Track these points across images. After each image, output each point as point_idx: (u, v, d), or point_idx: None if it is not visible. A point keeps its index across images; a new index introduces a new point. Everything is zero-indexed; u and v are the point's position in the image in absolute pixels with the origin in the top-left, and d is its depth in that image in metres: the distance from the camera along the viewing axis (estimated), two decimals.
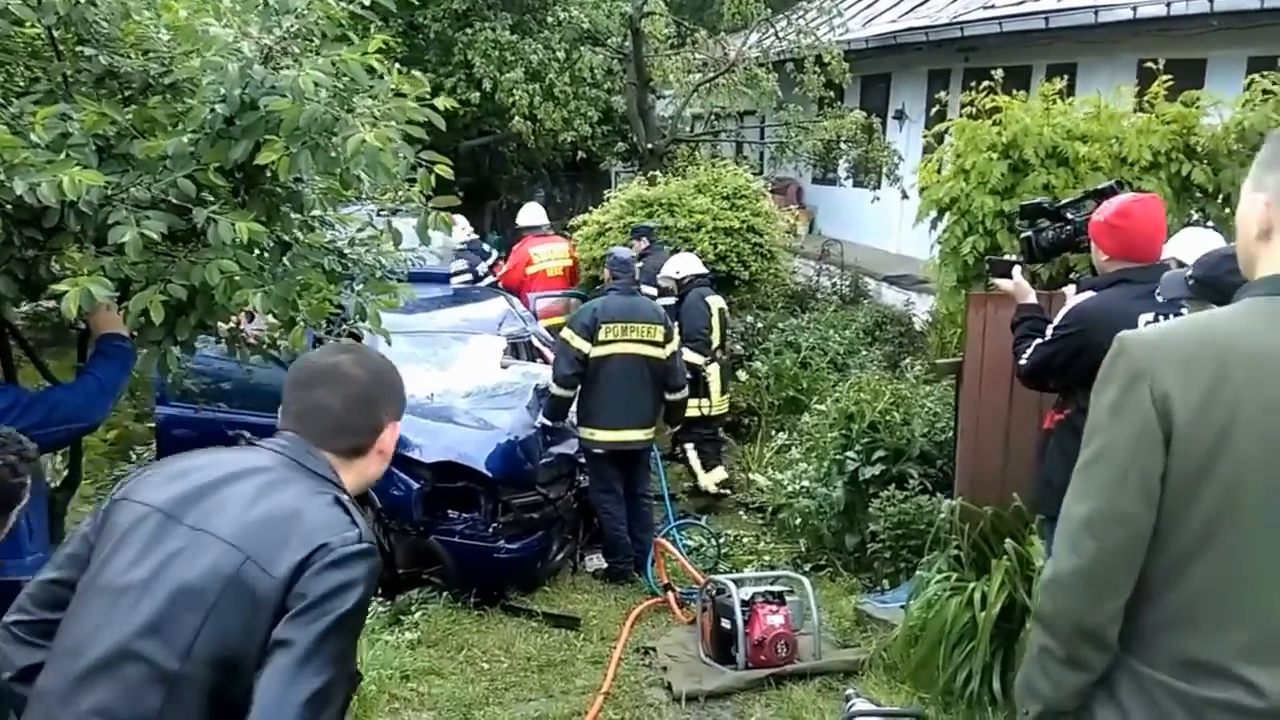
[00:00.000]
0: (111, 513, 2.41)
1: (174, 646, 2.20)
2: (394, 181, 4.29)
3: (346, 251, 4.88)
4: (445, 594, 7.45)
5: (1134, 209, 4.71)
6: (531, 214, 13.12)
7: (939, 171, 7.15)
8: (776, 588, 6.49)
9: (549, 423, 8.23)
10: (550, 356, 9.85)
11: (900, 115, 17.72)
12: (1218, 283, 3.69)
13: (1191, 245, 5.07)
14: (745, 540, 8.89)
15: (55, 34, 4.06)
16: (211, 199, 3.85)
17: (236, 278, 3.85)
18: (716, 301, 10.05)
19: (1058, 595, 2.19)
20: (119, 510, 2.39)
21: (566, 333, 8.20)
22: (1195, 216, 6.73)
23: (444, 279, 11.24)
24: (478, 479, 7.63)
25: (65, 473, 5.26)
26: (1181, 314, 4.13)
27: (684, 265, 10.12)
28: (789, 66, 16.19)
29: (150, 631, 2.21)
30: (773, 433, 10.70)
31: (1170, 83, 7.03)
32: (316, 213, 4.59)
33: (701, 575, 7.05)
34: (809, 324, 12.46)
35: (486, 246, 13.77)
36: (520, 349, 9.84)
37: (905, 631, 5.90)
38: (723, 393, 10.04)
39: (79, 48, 4.15)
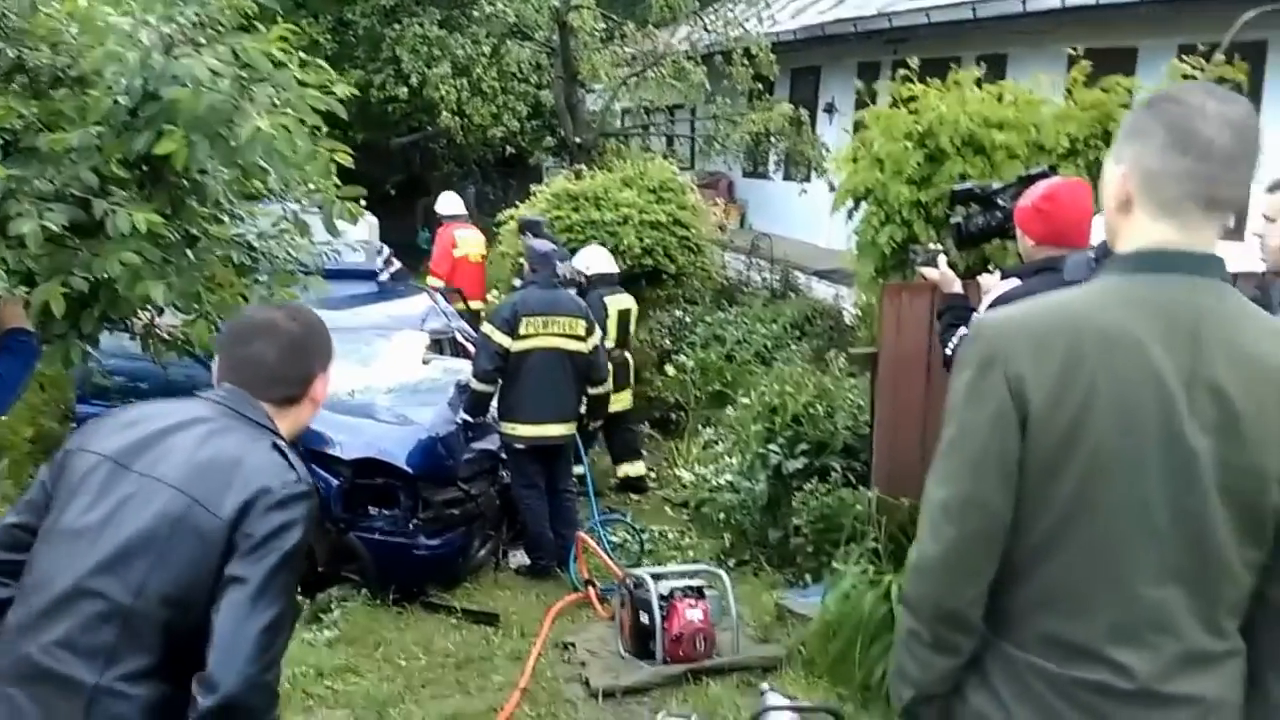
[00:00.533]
0: (66, 462, 2.59)
1: (127, 584, 2.39)
2: (300, 173, 4.22)
3: (256, 244, 4.81)
4: (365, 591, 7.37)
5: (1060, 193, 4.63)
6: (451, 203, 13.41)
7: (855, 161, 7.14)
8: (695, 583, 6.46)
9: (470, 418, 8.16)
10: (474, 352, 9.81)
11: (830, 108, 17.79)
12: None
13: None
14: (670, 536, 8.88)
15: None
16: (117, 191, 3.79)
17: (140, 270, 3.79)
18: (617, 303, 9.91)
19: (920, 580, 2.19)
20: (73, 460, 2.58)
21: (487, 327, 8.13)
22: None
23: (370, 275, 11.11)
24: (398, 475, 7.55)
25: None
26: None
27: (594, 262, 9.99)
28: (718, 59, 16.21)
29: (104, 570, 2.40)
30: (699, 427, 10.71)
31: (1098, 72, 7.03)
32: (223, 205, 4.49)
33: (622, 570, 7.03)
34: (736, 318, 12.48)
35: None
36: (444, 345, 9.77)
37: (822, 626, 5.89)
38: (620, 389, 9.82)
39: None
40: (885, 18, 15.32)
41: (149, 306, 4.40)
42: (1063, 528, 2.05)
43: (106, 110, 3.77)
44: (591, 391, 8.42)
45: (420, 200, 22.99)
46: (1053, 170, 5.32)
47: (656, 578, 6.41)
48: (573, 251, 11.11)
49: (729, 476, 8.62)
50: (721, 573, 6.66)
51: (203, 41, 3.86)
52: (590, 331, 8.20)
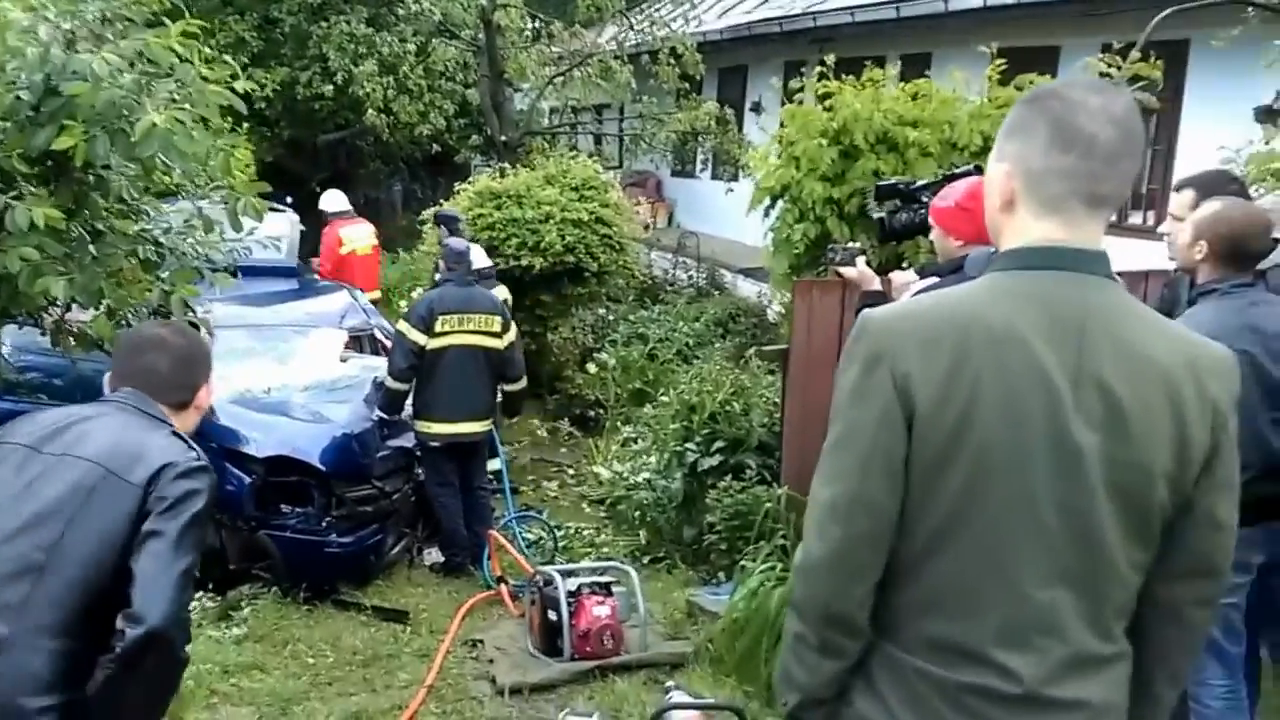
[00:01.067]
0: None
1: (40, 543, 2.70)
2: (203, 168, 4.21)
3: (163, 240, 4.78)
4: (275, 589, 7.31)
5: (983, 191, 4.67)
6: (334, 200, 13.34)
7: (771, 159, 7.21)
8: (604, 579, 6.49)
9: (385, 417, 8.13)
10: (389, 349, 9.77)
11: (756, 107, 17.88)
12: None
13: None
14: (585, 533, 8.90)
15: None
16: (20, 186, 3.77)
17: (40, 266, 3.76)
18: (500, 293, 9.89)
19: (806, 582, 2.15)
20: None
21: (402, 325, 8.08)
22: None
23: (290, 272, 11.01)
24: (311, 473, 7.51)
25: None
26: None
27: (475, 258, 9.97)
28: (644, 59, 16.26)
29: (19, 533, 2.71)
30: (619, 425, 10.74)
31: (1021, 70, 7.08)
32: (128, 200, 4.45)
33: (533, 568, 7.05)
34: (659, 316, 12.54)
35: None
36: (363, 342, 9.71)
37: (729, 624, 5.92)
38: None
39: None
40: (810, 16, 15.45)
41: (54, 302, 4.37)
42: (950, 526, 2.03)
43: (8, 106, 3.73)
44: (507, 388, 8.43)
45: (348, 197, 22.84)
46: (978, 170, 5.34)
47: (565, 575, 6.43)
48: (493, 248, 11.15)
49: (646, 474, 8.68)
50: (630, 570, 6.69)
51: (108, 37, 3.83)
52: (506, 328, 8.20)
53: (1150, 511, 2.02)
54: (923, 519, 2.04)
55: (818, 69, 7.42)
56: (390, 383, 8.03)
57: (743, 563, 6.18)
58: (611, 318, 12.63)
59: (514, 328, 8.45)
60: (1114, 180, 2.06)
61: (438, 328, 7.94)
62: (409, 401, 8.14)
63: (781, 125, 7.46)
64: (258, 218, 4.54)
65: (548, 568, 6.69)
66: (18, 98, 3.65)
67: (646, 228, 19.06)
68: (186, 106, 3.70)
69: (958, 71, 7.32)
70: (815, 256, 6.74)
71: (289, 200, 13.10)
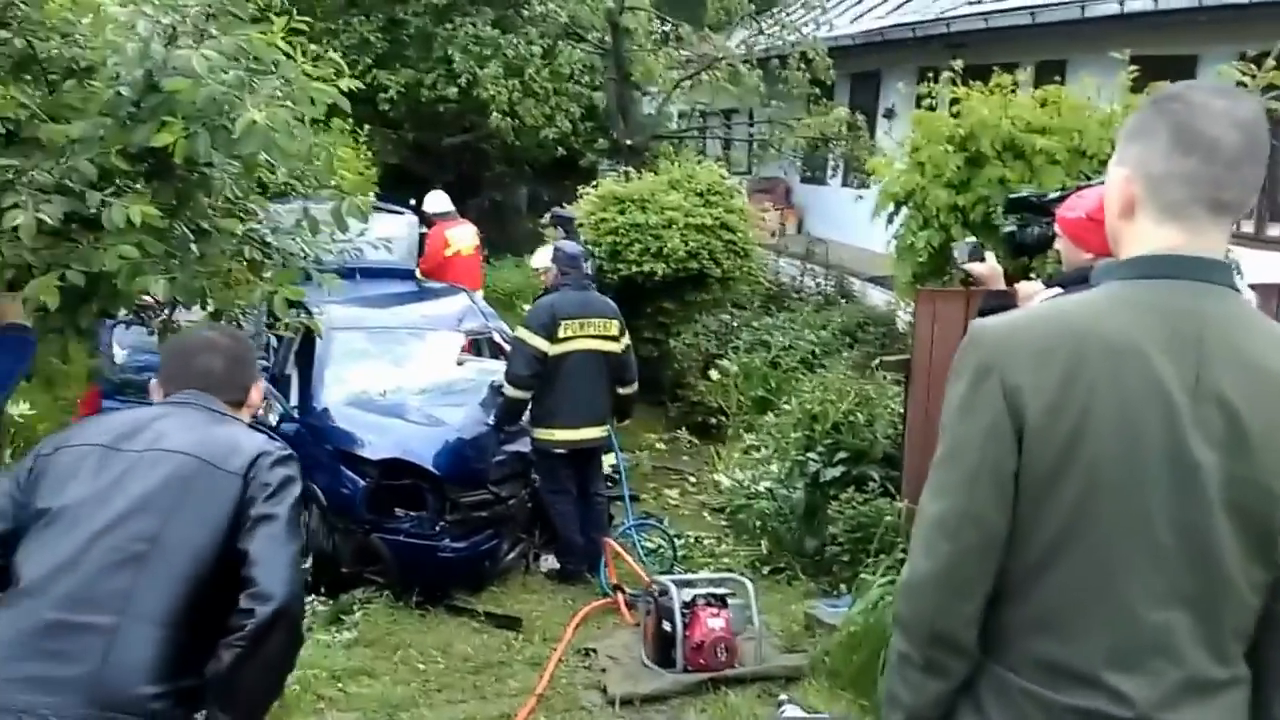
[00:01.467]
0: (47, 464, 2.82)
1: (140, 533, 2.66)
2: (308, 167, 4.16)
3: (270, 240, 4.74)
4: (388, 593, 7.28)
5: None
6: (438, 201, 13.34)
7: (896, 164, 7.00)
8: (719, 590, 6.33)
9: (504, 426, 8.04)
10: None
11: (889, 113, 17.58)
12: None
13: None
14: (706, 542, 8.73)
15: None
16: (121, 183, 3.74)
17: (140, 264, 3.73)
18: None
19: (912, 599, 2.08)
20: (56, 459, 2.82)
21: (523, 332, 7.96)
22: None
23: (409, 274, 11.07)
24: (425, 477, 7.47)
25: None
26: None
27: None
28: (774, 63, 16.08)
29: (116, 524, 2.67)
30: (741, 433, 10.56)
31: (1157, 79, 6.78)
32: (232, 199, 4.41)
33: (649, 576, 6.91)
34: (784, 324, 12.32)
35: None
36: (481, 346, 9.68)
37: (847, 637, 5.77)
38: None
39: None
40: (944, 22, 15.14)
41: (160, 302, 4.36)
42: (1060, 544, 1.94)
43: (109, 101, 3.71)
44: (622, 391, 8.28)
45: (471, 200, 23.01)
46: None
47: (681, 585, 6.28)
48: (615, 253, 11.07)
49: (767, 483, 8.50)
50: (747, 582, 6.51)
51: (211, 32, 3.78)
52: (623, 332, 8.08)
53: (1272, 531, 1.92)
54: (1033, 535, 1.97)
55: (945, 74, 7.18)
56: (510, 390, 7.88)
57: (863, 575, 5.97)
58: (736, 324, 12.42)
59: (626, 330, 8.30)
60: (1237, 186, 1.97)
61: (560, 334, 7.80)
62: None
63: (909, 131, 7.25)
64: (362, 219, 4.46)
65: (663, 578, 6.54)
66: (118, 93, 3.61)
67: (774, 234, 18.90)
68: (288, 104, 3.61)
69: (1089, 78, 7.01)
70: (939, 264, 6.52)
71: (413, 203, 13.27)
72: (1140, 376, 1.89)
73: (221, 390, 3.09)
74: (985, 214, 6.33)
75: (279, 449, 2.92)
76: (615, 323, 8.02)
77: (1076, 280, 4.23)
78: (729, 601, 6.23)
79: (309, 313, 5.48)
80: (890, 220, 7.17)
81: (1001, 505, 1.95)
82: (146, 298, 4.21)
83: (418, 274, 11.64)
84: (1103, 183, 4.61)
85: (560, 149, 18.34)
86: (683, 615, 6.03)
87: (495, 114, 16.77)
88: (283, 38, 3.95)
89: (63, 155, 3.69)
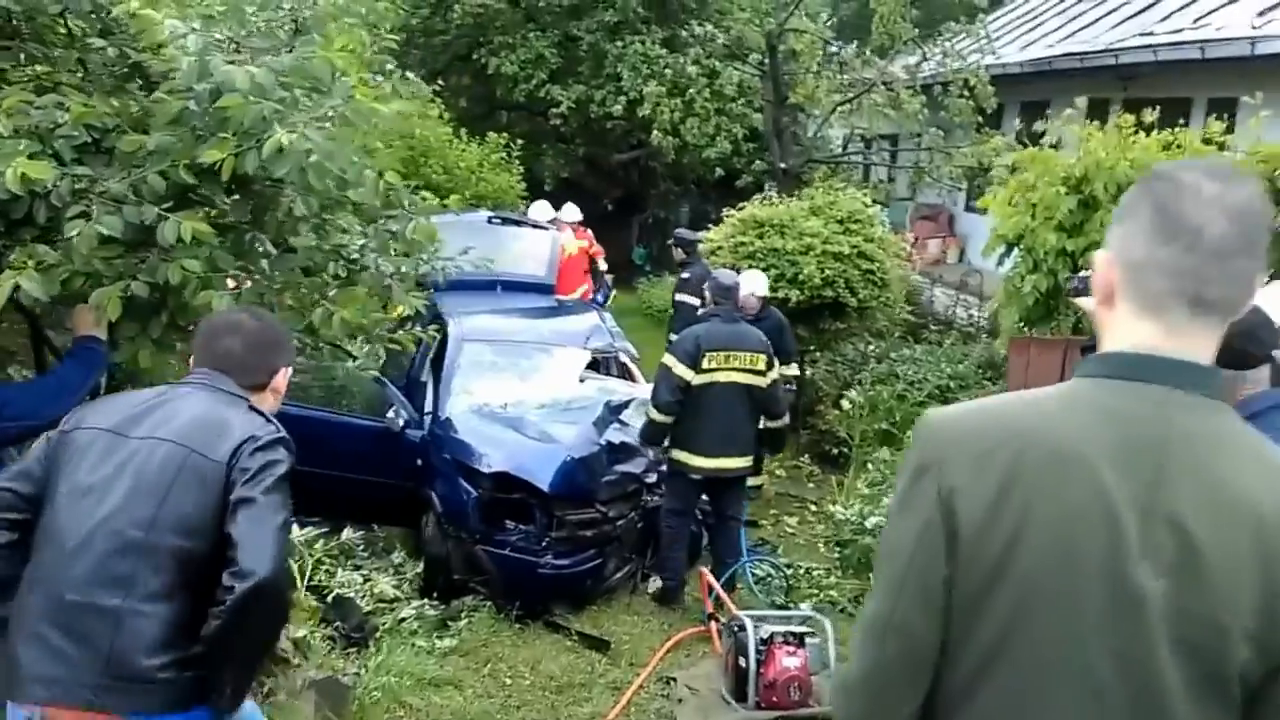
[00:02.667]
0: (64, 441, 3.13)
1: (137, 521, 2.95)
2: (357, 190, 4.23)
3: (355, 256, 4.85)
4: (490, 605, 7.41)
5: None
6: (541, 210, 13.75)
7: (1010, 204, 6.79)
8: (799, 629, 6.25)
9: (649, 446, 8.16)
10: (636, 373, 9.76)
11: (1057, 144, 17.11)
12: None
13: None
14: (815, 573, 8.62)
15: (70, 23, 4.13)
16: (197, 195, 3.87)
17: (208, 279, 3.85)
18: None
19: (842, 700, 1.98)
20: (71, 437, 3.13)
21: (669, 359, 7.97)
22: None
23: (548, 289, 11.23)
24: (533, 493, 7.57)
25: None
26: None
27: (763, 285, 9.85)
28: (936, 90, 15.84)
29: (116, 514, 2.96)
30: (866, 465, 10.40)
31: None
32: (305, 215, 4.49)
33: (737, 609, 6.85)
34: (921, 355, 12.09)
35: None
36: (609, 364, 9.74)
37: None
38: None
39: (90, 40, 4.20)
40: (1112, 53, 14.71)
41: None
42: (989, 666, 1.78)
43: (180, 114, 3.82)
44: (769, 425, 8.21)
45: (637, 216, 23.23)
46: None
47: (759, 621, 6.22)
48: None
49: (876, 519, 8.34)
50: (826, 621, 6.42)
51: (267, 47, 3.89)
52: (770, 366, 8.00)
53: (1227, 674, 1.70)
54: (965, 651, 1.80)
55: (1068, 111, 6.95)
56: (654, 415, 7.90)
57: None
58: (874, 353, 12.25)
59: (777, 365, 8.20)
60: (1223, 282, 1.75)
61: (704, 364, 7.80)
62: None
63: (1014, 170, 7.03)
64: (429, 241, 4.57)
65: (742, 613, 6.47)
66: (188, 107, 3.73)
67: (936, 261, 18.55)
68: (327, 125, 3.66)
69: (1216, 122, 6.66)
70: (1049, 309, 6.30)
71: (579, 219, 13.50)
72: (1085, 490, 1.72)
73: (239, 372, 3.29)
74: None
75: (268, 434, 3.11)
76: (763, 357, 7.95)
77: None
78: (808, 640, 6.14)
79: (430, 322, 5.55)
80: (1001, 261, 6.96)
81: (929, 614, 1.80)
82: None
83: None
84: None
85: (719, 169, 18.35)
86: (758, 652, 6.00)
87: (658, 132, 16.89)
88: (337, 55, 4.00)
89: (136, 166, 3.80)
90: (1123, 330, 1.81)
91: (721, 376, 7.82)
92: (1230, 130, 8.97)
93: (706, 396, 7.80)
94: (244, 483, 2.98)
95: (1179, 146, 6.40)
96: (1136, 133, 6.76)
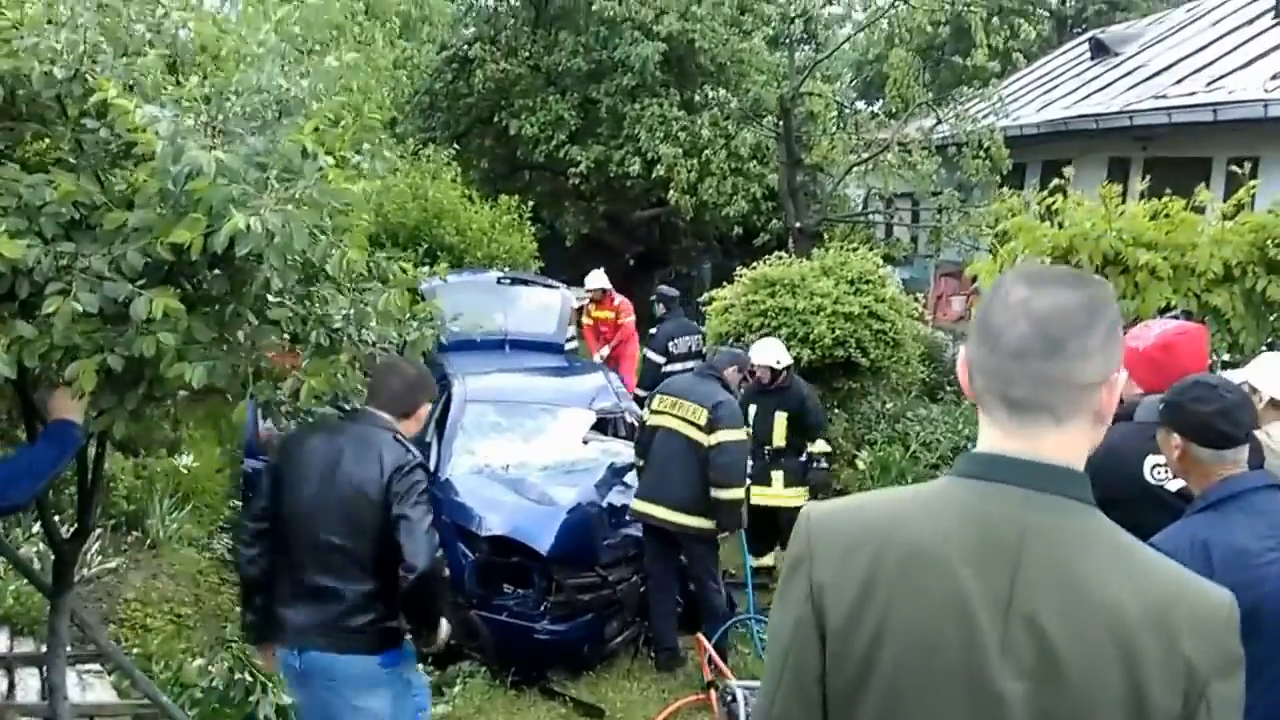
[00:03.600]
0: (280, 469, 4.72)
1: (339, 532, 4.49)
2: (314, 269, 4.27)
3: (339, 325, 4.88)
4: (486, 670, 7.36)
5: (1178, 342, 4.35)
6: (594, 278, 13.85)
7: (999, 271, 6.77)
8: None
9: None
10: None
11: (1054, 214, 17.10)
12: (1181, 409, 3.45)
13: (1271, 372, 4.64)
14: None
15: (66, 107, 4.20)
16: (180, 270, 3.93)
17: (183, 351, 3.89)
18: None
19: None
20: (287, 466, 4.69)
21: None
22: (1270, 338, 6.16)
23: (556, 348, 11.25)
24: (532, 556, 7.53)
25: (75, 525, 5.38)
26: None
27: (783, 353, 9.65)
28: (952, 151, 15.89)
29: (326, 528, 4.49)
30: None
31: None
32: (283, 287, 4.51)
33: (734, 674, 6.78)
34: (937, 415, 12.02)
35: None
36: (616, 424, 9.71)
37: None
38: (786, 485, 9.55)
39: (85, 120, 4.28)
40: (1127, 115, 14.72)
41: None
42: None
43: (159, 193, 3.87)
44: (716, 494, 7.73)
45: (659, 272, 23.29)
46: (1187, 315, 4.83)
47: (749, 691, 6.13)
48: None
49: None
50: None
51: (249, 129, 3.94)
52: (712, 427, 7.75)
53: None
54: None
55: (1056, 181, 6.95)
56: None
57: None
58: (889, 411, 12.18)
59: (729, 431, 7.81)
60: (1025, 383, 1.76)
61: (654, 405, 8.05)
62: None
63: (1003, 238, 7.00)
64: (400, 314, 4.65)
65: (734, 682, 6.39)
66: (165, 187, 3.77)
67: (960, 319, 18.47)
68: (289, 208, 3.68)
69: (1206, 192, 6.63)
70: None
71: (602, 277, 13.53)
72: (942, 590, 1.72)
73: (393, 406, 4.72)
74: None
75: (408, 461, 4.53)
76: (704, 411, 7.79)
77: (1121, 415, 4.03)
78: None
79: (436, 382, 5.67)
80: None
81: (806, 707, 1.81)
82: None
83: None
84: (1177, 316, 4.44)
85: (737, 227, 18.45)
86: None
87: (675, 191, 17.02)
88: (309, 138, 4.04)
89: (117, 242, 3.86)
90: (981, 429, 1.84)
91: (665, 422, 7.88)
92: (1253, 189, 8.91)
93: (653, 441, 7.93)
94: (398, 502, 4.42)
95: (1166, 215, 6.37)
96: (1124, 201, 6.74)
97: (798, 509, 6.73)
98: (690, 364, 11.24)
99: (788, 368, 9.51)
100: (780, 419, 9.37)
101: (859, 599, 1.76)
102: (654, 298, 12.83)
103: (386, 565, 4.39)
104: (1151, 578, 1.72)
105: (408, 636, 4.65)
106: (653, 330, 12.38)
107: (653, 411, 7.99)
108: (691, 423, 7.82)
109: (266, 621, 4.66)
